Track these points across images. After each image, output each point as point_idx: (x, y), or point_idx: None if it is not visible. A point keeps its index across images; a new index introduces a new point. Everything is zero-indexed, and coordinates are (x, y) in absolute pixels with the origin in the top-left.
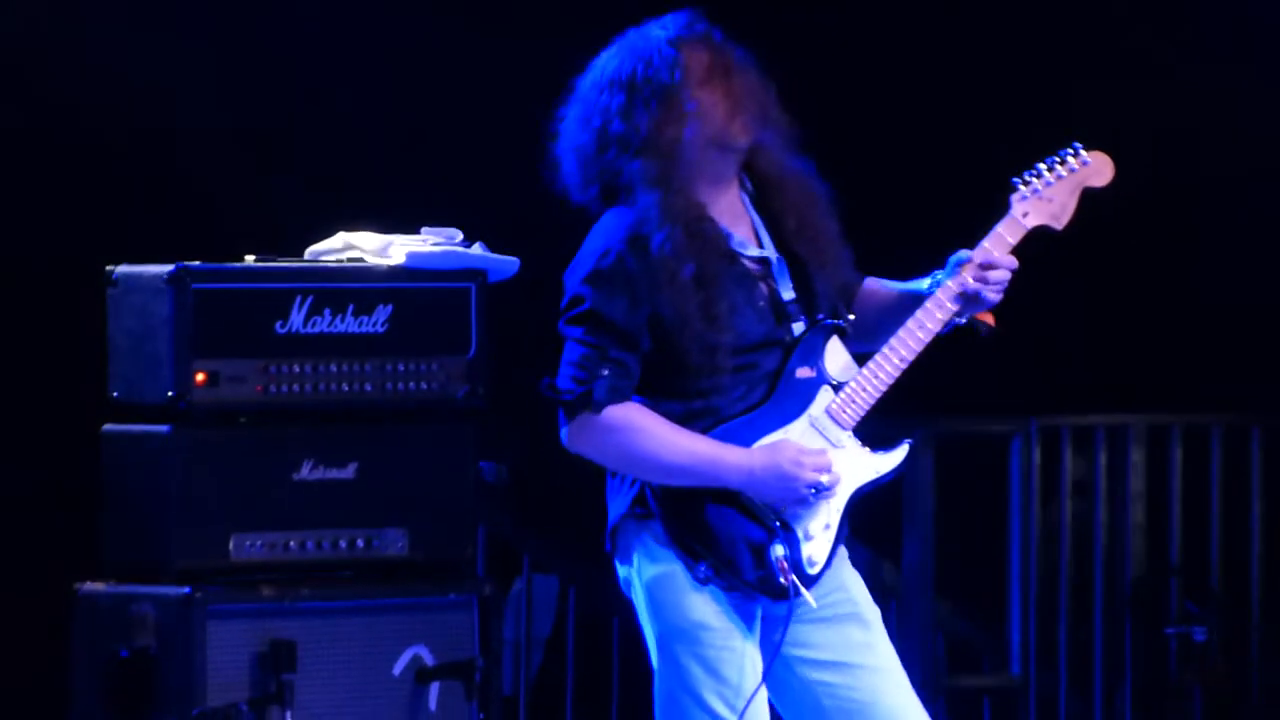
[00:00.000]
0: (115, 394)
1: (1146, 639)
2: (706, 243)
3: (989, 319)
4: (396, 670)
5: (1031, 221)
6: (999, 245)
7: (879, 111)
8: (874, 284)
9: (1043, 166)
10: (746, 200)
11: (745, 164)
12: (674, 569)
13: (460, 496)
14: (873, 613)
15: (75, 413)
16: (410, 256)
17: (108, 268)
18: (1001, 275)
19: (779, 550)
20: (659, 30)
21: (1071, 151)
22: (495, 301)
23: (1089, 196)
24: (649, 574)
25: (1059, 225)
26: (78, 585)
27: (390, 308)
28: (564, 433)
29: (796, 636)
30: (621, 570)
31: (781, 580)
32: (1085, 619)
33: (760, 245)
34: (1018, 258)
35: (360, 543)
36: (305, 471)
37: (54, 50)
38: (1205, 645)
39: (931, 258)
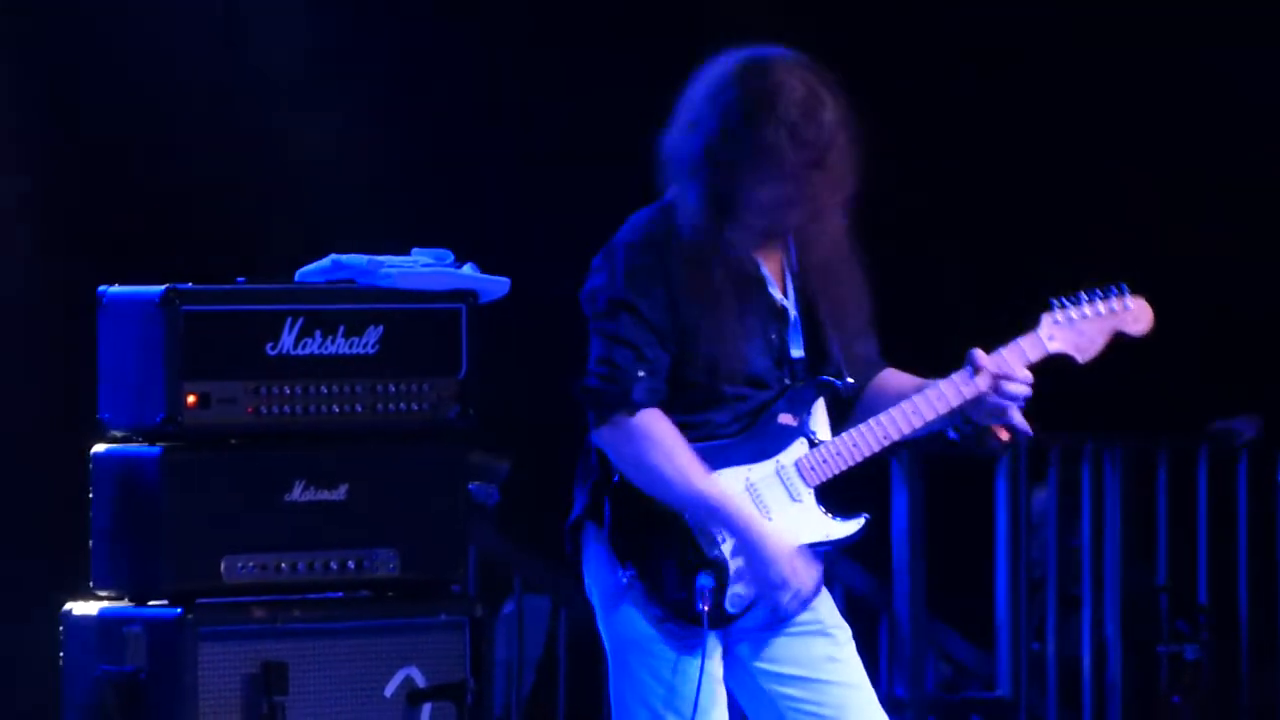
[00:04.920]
0: (106, 416)
1: (1137, 657)
2: (738, 263)
3: (1002, 434)
4: (388, 691)
5: (1055, 346)
6: (1016, 358)
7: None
8: (894, 373)
9: (1084, 296)
10: (783, 252)
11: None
12: (617, 579)
13: (451, 517)
14: (841, 630)
15: (66, 434)
16: (401, 277)
17: (98, 290)
18: (1018, 390)
19: (706, 580)
20: (785, 88)
21: (1117, 291)
22: (486, 322)
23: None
24: (602, 585)
25: (1081, 359)
26: (68, 607)
27: (381, 329)
28: (596, 434)
29: (762, 651)
30: (584, 575)
31: (699, 607)
32: (1074, 637)
33: (785, 294)
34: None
35: (351, 564)
36: (296, 493)
37: (51, 71)
38: (1196, 664)
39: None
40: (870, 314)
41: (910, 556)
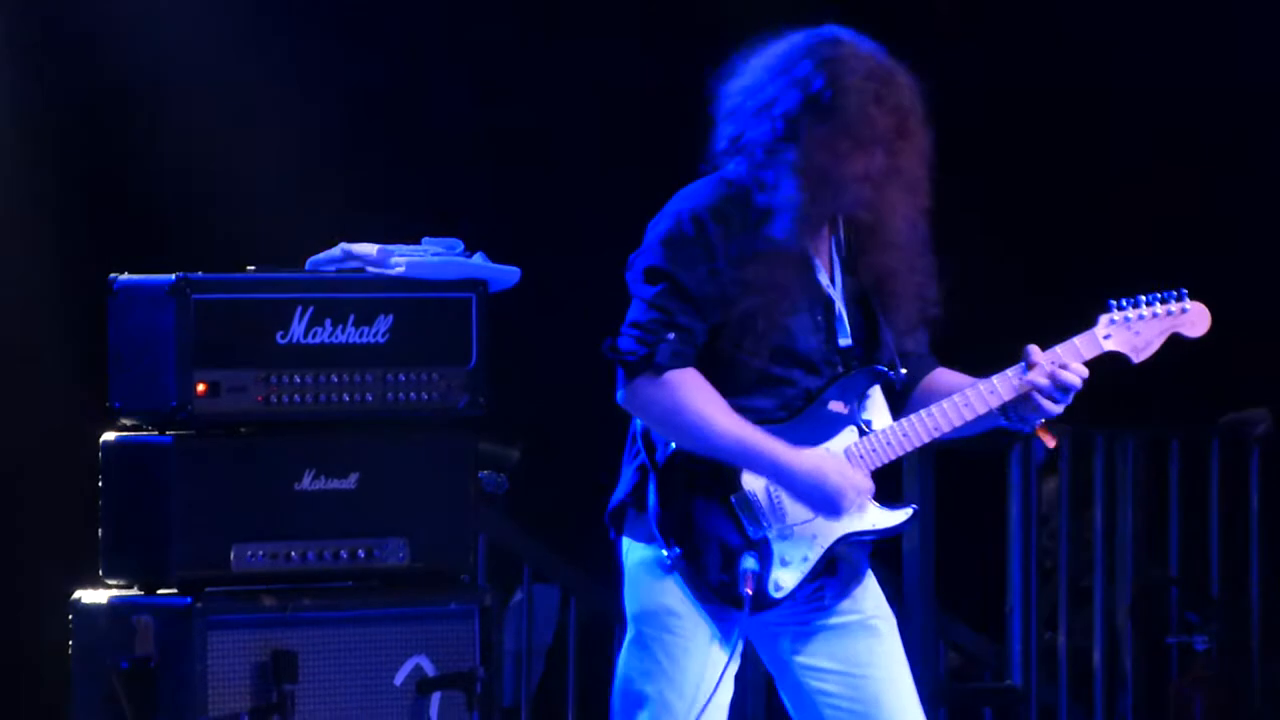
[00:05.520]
0: (116, 404)
1: (1148, 648)
2: (789, 245)
3: (1049, 439)
4: (398, 680)
5: (1111, 345)
6: (1071, 355)
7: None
8: (946, 372)
9: (1142, 299)
10: (833, 240)
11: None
12: (656, 554)
13: (461, 506)
14: (885, 622)
15: (76, 422)
16: (411, 267)
17: (109, 277)
18: (1070, 379)
19: (750, 562)
20: (859, 57)
21: (1175, 295)
22: (496, 311)
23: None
24: (634, 557)
25: (1136, 359)
26: (78, 596)
27: (391, 318)
28: (620, 394)
29: (804, 647)
30: (622, 555)
31: (742, 591)
32: (1085, 628)
33: (831, 282)
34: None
35: (361, 553)
36: (306, 481)
37: (59, 57)
38: (1206, 654)
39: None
40: (929, 308)
41: (921, 546)
